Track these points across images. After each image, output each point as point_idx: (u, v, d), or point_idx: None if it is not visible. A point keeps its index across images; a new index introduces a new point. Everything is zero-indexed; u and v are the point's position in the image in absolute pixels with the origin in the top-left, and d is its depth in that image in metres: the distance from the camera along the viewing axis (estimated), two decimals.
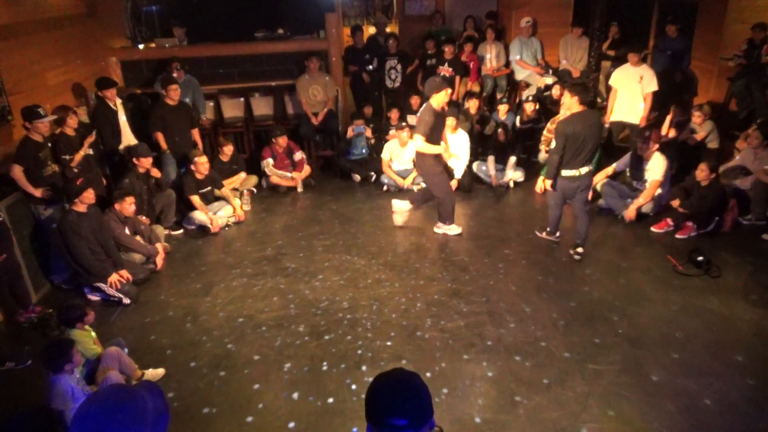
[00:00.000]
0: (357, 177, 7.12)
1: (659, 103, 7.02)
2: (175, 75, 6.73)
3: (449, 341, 3.94)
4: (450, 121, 6.61)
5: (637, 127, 6.79)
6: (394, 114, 7.39)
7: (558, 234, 5.36)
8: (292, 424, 3.26)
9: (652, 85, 6.61)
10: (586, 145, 4.67)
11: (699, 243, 5.11)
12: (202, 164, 5.82)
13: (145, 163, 5.48)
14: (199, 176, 5.86)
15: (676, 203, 5.43)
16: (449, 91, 5.11)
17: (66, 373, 3.07)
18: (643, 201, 5.59)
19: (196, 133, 6.44)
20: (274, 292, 4.69)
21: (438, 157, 5.30)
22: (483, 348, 3.86)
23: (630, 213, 5.64)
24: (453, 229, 5.56)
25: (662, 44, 7.77)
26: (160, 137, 6.07)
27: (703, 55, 7.69)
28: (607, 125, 7.15)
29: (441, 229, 5.60)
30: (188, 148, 6.27)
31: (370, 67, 8.07)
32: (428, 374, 3.61)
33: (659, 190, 5.67)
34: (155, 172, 5.66)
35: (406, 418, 1.40)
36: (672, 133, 6.56)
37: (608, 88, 7.12)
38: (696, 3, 7.90)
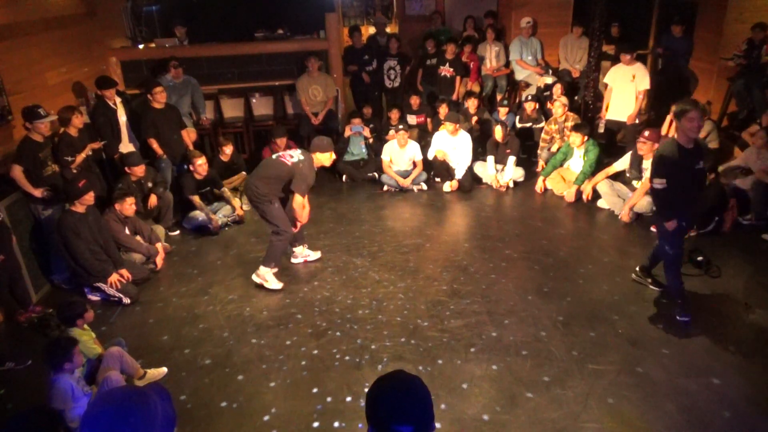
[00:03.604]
0: (344, 177, 7.12)
1: (659, 103, 7.03)
2: (172, 74, 6.73)
3: (449, 341, 3.94)
4: (449, 126, 6.63)
5: (629, 126, 6.84)
6: (394, 114, 7.40)
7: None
8: (292, 424, 3.26)
9: (645, 83, 6.69)
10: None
11: (699, 243, 5.10)
12: (200, 165, 5.83)
13: (138, 171, 5.48)
14: (198, 177, 5.87)
15: None
16: (333, 155, 4.71)
17: (66, 373, 3.07)
18: (635, 200, 5.60)
19: (185, 134, 6.43)
20: (274, 291, 4.69)
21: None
22: (483, 348, 3.86)
23: (624, 214, 5.65)
24: (273, 282, 4.69)
25: (665, 43, 7.77)
26: (154, 143, 6.07)
27: (703, 55, 7.69)
28: (602, 123, 7.18)
29: (259, 278, 4.70)
30: (181, 149, 6.30)
31: (370, 67, 8.07)
32: (428, 374, 3.61)
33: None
34: (153, 201, 5.64)
35: (412, 424, 1.40)
36: (672, 133, 6.56)
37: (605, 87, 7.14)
38: (696, 3, 7.91)
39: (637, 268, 4.60)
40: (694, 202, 4.06)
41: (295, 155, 4.50)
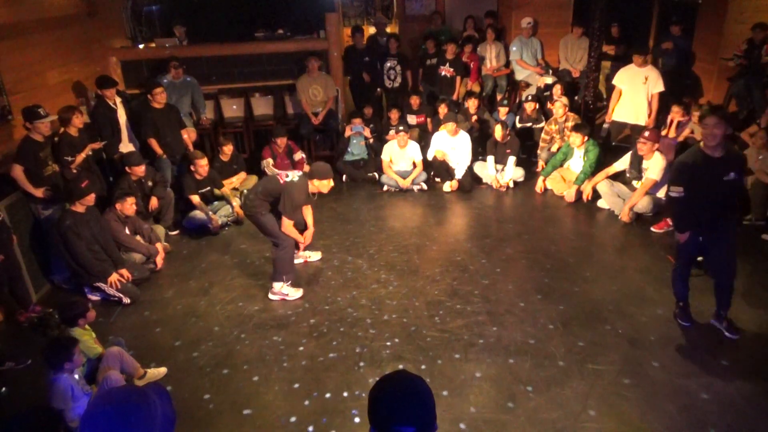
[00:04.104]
0: (344, 177, 7.12)
1: (659, 103, 7.02)
2: (173, 74, 6.73)
3: (449, 341, 3.94)
4: (449, 126, 6.63)
5: (640, 128, 6.79)
6: (394, 114, 7.40)
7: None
8: (292, 424, 3.26)
9: (659, 86, 6.52)
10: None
11: None
12: (202, 166, 5.84)
13: (138, 171, 5.47)
14: (198, 177, 5.87)
15: None
16: (332, 183, 4.56)
17: (66, 372, 3.07)
18: (635, 200, 5.60)
19: (185, 134, 6.44)
20: None
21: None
22: (483, 348, 3.86)
23: (623, 215, 5.65)
24: (293, 293, 4.58)
25: (667, 40, 7.79)
26: (153, 143, 6.08)
27: (703, 56, 7.69)
28: (607, 125, 7.15)
29: (276, 294, 4.57)
30: (181, 149, 6.31)
31: (382, 70, 8.10)
32: (428, 374, 3.61)
33: (661, 193, 5.68)
34: (154, 203, 5.64)
35: (414, 425, 1.40)
36: (672, 133, 6.56)
37: (608, 88, 7.11)
38: (696, 3, 7.91)
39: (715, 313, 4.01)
40: (719, 217, 3.68)
41: (291, 175, 4.44)
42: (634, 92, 6.67)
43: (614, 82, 6.84)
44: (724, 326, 3.89)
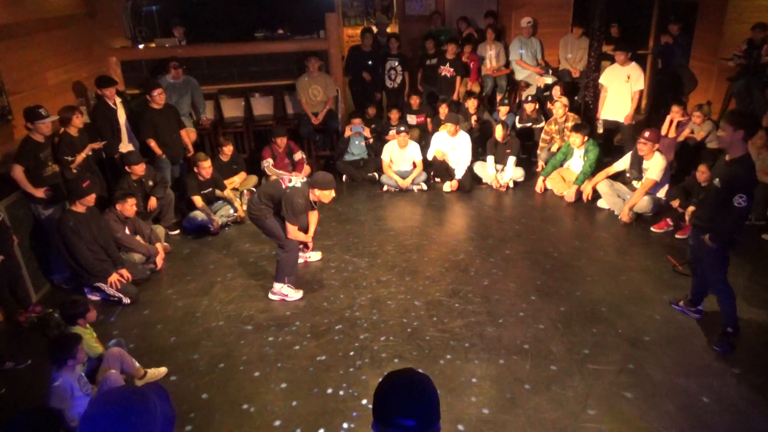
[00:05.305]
0: (344, 177, 7.13)
1: (659, 103, 7.03)
2: (172, 74, 6.73)
3: (449, 341, 3.94)
4: (449, 126, 6.63)
5: (625, 127, 6.85)
6: (394, 114, 7.40)
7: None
8: (292, 424, 3.26)
9: (639, 83, 6.68)
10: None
11: None
12: (205, 168, 5.85)
13: (138, 170, 5.47)
14: (201, 178, 5.88)
15: (676, 203, 5.43)
16: (334, 193, 4.47)
17: (68, 371, 3.07)
18: (635, 200, 5.60)
19: (185, 134, 6.44)
20: None
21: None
22: (483, 348, 3.86)
23: (623, 215, 5.65)
24: (292, 293, 4.58)
25: (667, 34, 7.82)
26: (152, 144, 6.08)
27: (703, 55, 7.69)
28: (599, 123, 7.19)
29: (276, 294, 4.58)
30: (180, 149, 6.32)
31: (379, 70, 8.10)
32: (428, 374, 3.59)
33: (661, 193, 5.68)
34: (152, 204, 5.63)
35: (415, 419, 1.42)
36: (672, 133, 6.56)
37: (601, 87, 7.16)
38: (696, 3, 7.92)
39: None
40: (700, 220, 3.79)
41: (294, 180, 4.45)
42: (618, 90, 6.78)
43: (600, 80, 6.96)
44: (718, 336, 3.83)
